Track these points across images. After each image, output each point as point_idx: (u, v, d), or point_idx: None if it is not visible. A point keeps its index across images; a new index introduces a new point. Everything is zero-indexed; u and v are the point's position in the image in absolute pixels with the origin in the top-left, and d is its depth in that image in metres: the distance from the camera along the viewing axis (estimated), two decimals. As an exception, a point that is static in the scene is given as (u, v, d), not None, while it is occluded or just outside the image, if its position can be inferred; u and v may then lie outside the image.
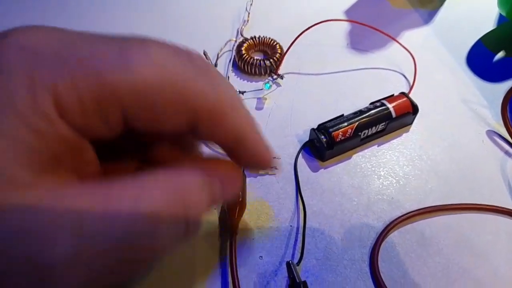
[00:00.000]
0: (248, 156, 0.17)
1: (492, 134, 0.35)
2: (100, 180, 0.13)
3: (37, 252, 0.11)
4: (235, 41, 0.41)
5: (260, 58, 0.39)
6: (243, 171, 0.30)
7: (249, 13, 0.44)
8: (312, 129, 0.32)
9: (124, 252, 0.13)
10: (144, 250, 0.13)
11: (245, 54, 0.39)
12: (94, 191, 0.13)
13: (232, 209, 0.27)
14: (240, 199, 0.27)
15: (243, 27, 0.42)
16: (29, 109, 0.12)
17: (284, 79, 0.38)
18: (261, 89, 0.37)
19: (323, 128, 0.31)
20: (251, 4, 0.44)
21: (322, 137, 0.31)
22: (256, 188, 0.31)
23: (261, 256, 0.27)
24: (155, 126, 0.15)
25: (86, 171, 0.15)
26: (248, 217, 0.29)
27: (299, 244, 0.28)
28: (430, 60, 0.41)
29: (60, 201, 0.12)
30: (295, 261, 0.26)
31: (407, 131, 0.35)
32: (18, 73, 0.12)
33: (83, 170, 0.14)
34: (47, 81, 0.12)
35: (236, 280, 0.25)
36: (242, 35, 0.41)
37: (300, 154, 0.32)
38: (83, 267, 0.12)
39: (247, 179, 0.30)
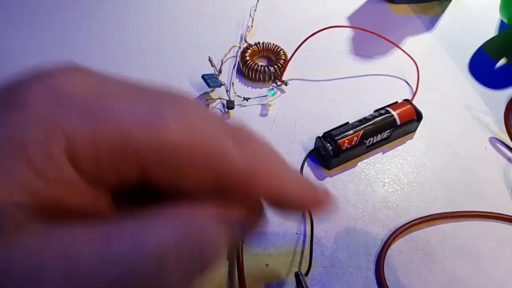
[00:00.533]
0: (290, 207, 0.17)
1: (494, 141, 0.35)
2: (104, 220, 0.13)
3: None
4: (239, 47, 0.41)
5: (264, 64, 0.39)
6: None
7: (253, 19, 0.44)
8: (318, 137, 0.32)
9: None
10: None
11: (249, 60, 0.39)
12: (93, 230, 0.12)
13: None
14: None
15: (247, 33, 0.43)
16: (39, 153, 0.12)
17: (288, 85, 0.39)
18: (266, 96, 0.38)
19: (328, 136, 0.32)
20: (255, 10, 0.44)
21: (328, 145, 0.31)
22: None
23: (267, 264, 0.27)
24: (174, 183, 0.14)
25: (97, 215, 0.14)
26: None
27: (306, 252, 0.28)
28: (432, 67, 0.41)
29: (51, 242, 0.11)
30: (303, 270, 0.26)
31: (411, 138, 0.35)
32: (35, 113, 0.12)
33: (94, 214, 0.14)
34: (64, 127, 0.12)
35: (244, 289, 0.25)
36: (246, 41, 0.42)
37: (306, 162, 0.33)
38: None
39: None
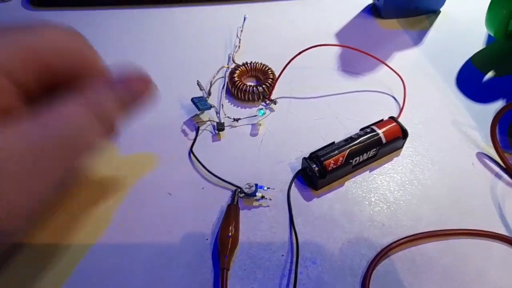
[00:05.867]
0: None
1: (482, 156, 0.36)
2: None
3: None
4: (228, 67, 0.42)
5: (253, 84, 0.39)
6: (237, 203, 0.30)
7: (240, 39, 0.44)
8: (304, 158, 0.32)
9: (64, 142, 0.19)
10: (77, 141, 0.20)
11: (238, 81, 0.40)
12: (31, 118, 0.19)
13: (224, 244, 0.27)
14: (232, 233, 0.28)
15: (234, 53, 0.43)
16: None
17: (277, 104, 0.39)
18: (255, 115, 0.38)
19: (314, 157, 0.32)
20: (241, 31, 0.45)
21: (314, 166, 0.31)
22: (248, 217, 0.31)
23: None
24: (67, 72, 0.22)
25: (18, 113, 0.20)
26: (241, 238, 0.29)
27: (292, 275, 0.28)
28: (419, 82, 0.42)
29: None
30: (287, 293, 0.27)
31: (398, 155, 0.36)
32: None
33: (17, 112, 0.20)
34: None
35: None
36: (234, 62, 0.42)
37: (293, 183, 0.33)
38: (31, 157, 0.18)
39: (240, 212, 0.31)
